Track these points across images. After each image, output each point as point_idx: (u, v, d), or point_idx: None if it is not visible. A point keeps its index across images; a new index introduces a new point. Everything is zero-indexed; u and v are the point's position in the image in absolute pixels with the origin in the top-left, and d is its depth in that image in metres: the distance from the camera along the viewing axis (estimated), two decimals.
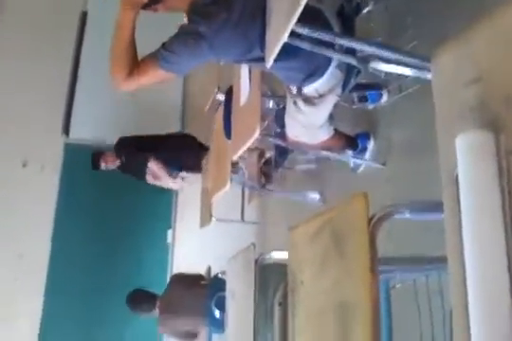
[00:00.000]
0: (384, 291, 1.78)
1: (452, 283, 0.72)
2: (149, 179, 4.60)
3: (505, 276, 0.62)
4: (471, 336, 0.64)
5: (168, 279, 4.37)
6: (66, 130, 5.45)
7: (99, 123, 5.47)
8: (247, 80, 2.55)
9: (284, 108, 2.43)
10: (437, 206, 0.90)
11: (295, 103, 2.20)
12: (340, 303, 1.31)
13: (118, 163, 4.60)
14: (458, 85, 0.76)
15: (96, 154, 4.63)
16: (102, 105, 5.52)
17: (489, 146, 0.63)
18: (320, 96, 2.08)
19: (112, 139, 5.41)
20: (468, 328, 0.64)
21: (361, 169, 2.84)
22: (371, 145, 2.76)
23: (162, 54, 1.86)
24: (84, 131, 5.44)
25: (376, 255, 1.19)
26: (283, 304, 1.81)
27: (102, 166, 4.59)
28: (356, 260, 1.23)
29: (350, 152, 2.79)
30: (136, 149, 4.52)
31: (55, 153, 5.37)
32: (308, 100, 2.13)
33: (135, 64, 1.86)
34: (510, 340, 0.59)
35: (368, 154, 2.77)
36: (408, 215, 1.28)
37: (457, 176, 0.70)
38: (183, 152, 4.57)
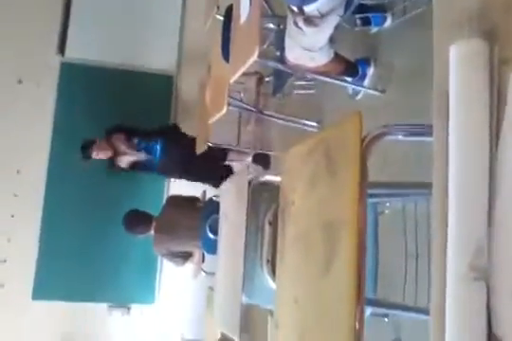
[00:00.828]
0: (372, 215, 1.81)
1: (434, 198, 0.73)
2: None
3: (485, 191, 0.62)
4: (447, 258, 0.65)
5: (164, 202, 4.44)
6: (62, 50, 5.34)
7: (95, 44, 5.33)
8: None
9: (285, 29, 2.36)
10: (431, 129, 0.89)
11: (296, 24, 2.14)
12: (328, 222, 1.33)
13: (110, 154, 4.36)
14: None
15: (87, 143, 4.36)
16: (99, 25, 5.36)
17: (483, 55, 0.61)
18: (322, 16, 2.02)
19: (108, 60, 5.34)
20: (445, 250, 0.65)
21: (360, 95, 2.81)
22: (371, 71, 2.71)
23: None
24: (80, 51, 5.31)
25: (366, 175, 1.19)
26: (274, 223, 1.85)
27: (94, 154, 4.33)
28: (345, 178, 1.23)
29: (349, 79, 2.75)
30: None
31: (50, 72, 5.28)
32: (309, 21, 2.07)
33: None
34: (486, 265, 0.60)
35: (367, 81, 2.73)
36: (400, 137, 1.27)
37: (448, 91, 0.68)
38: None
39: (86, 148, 4.33)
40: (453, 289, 0.61)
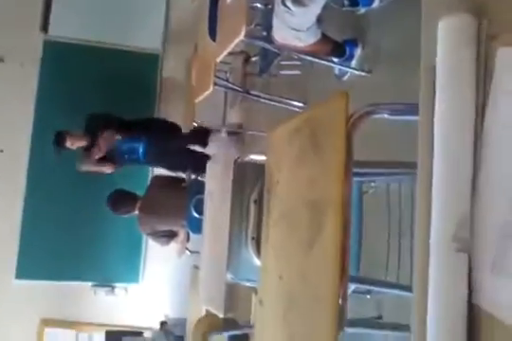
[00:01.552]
0: (357, 193, 1.83)
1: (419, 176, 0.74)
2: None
3: (469, 165, 0.63)
4: (431, 229, 0.67)
5: (149, 182, 4.43)
6: (45, 27, 5.25)
7: (79, 21, 5.24)
8: None
9: (272, 9, 2.34)
10: (417, 109, 0.90)
11: (283, 3, 2.13)
12: (313, 200, 1.34)
13: (84, 142, 4.13)
14: None
15: (61, 133, 4.13)
16: (83, 2, 5.26)
17: (470, 30, 0.62)
18: None
19: (93, 39, 5.26)
20: (429, 223, 0.67)
21: (347, 76, 2.81)
22: (358, 52, 2.71)
23: None
24: (64, 29, 5.22)
25: (352, 153, 1.21)
26: (259, 202, 1.86)
27: (68, 144, 4.09)
28: (331, 157, 1.24)
29: (336, 59, 2.75)
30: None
31: (34, 50, 5.19)
32: (297, 0, 2.06)
33: None
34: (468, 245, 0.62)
35: (354, 62, 2.73)
36: (386, 115, 1.28)
37: (435, 67, 0.69)
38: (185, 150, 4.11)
39: (59, 139, 4.14)
40: (436, 259, 0.63)
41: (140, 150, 4.22)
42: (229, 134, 3.98)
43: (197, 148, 4.03)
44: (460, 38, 0.62)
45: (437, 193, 0.64)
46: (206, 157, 4.11)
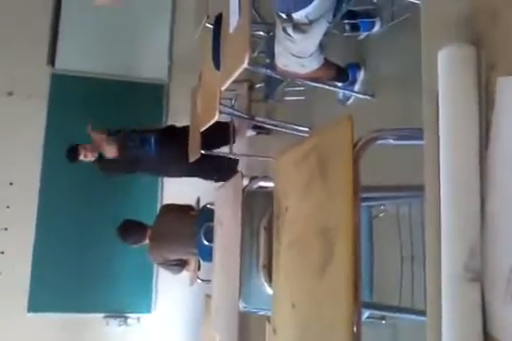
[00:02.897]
0: (366, 218, 1.82)
1: (427, 202, 0.74)
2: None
3: (476, 192, 0.63)
4: (442, 259, 0.66)
5: (158, 210, 4.43)
6: (52, 61, 5.34)
7: (85, 54, 5.34)
8: (237, 7, 2.48)
9: (274, 36, 2.37)
10: (422, 133, 0.91)
11: (285, 30, 2.15)
12: (323, 226, 1.34)
13: (96, 156, 4.14)
14: None
15: (74, 147, 4.15)
16: (88, 36, 5.38)
17: (471, 60, 0.62)
18: (311, 22, 2.03)
19: (99, 71, 5.34)
20: (439, 252, 0.66)
21: (351, 100, 2.83)
22: (361, 76, 2.73)
23: None
24: (70, 62, 5.32)
25: (359, 179, 1.21)
26: (268, 229, 1.86)
27: (82, 156, 4.11)
28: (338, 183, 1.24)
29: (340, 84, 2.77)
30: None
31: (41, 83, 5.28)
32: (298, 27, 2.08)
33: None
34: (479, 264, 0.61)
35: (358, 86, 2.75)
36: (392, 141, 1.29)
37: (438, 95, 0.69)
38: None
39: (73, 153, 4.16)
40: (449, 290, 0.62)
41: (152, 139, 4.12)
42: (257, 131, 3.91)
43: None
44: (461, 68, 0.63)
45: (446, 222, 0.63)
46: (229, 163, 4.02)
